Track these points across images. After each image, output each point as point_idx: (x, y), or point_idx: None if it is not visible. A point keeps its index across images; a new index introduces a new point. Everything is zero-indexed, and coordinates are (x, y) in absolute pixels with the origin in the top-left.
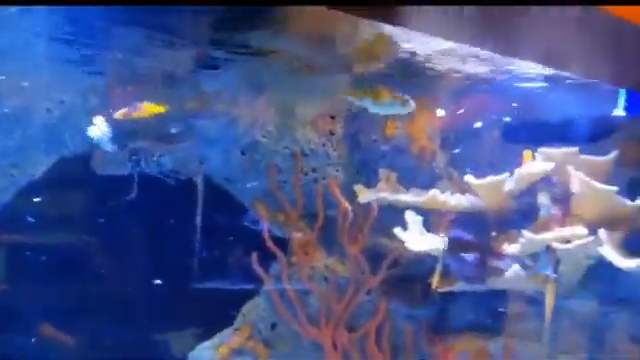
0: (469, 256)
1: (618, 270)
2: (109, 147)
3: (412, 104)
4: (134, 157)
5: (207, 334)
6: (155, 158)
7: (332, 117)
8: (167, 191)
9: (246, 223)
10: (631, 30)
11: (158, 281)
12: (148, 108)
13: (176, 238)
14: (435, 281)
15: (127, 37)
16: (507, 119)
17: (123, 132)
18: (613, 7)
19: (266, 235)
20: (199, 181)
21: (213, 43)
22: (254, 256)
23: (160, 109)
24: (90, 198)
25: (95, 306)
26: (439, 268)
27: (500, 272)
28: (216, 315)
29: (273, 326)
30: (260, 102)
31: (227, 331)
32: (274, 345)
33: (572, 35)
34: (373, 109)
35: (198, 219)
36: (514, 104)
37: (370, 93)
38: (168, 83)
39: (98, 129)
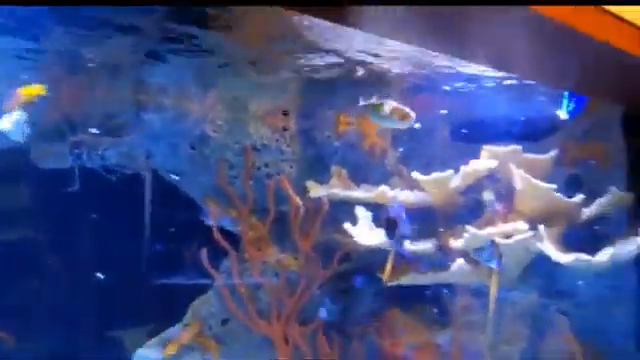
0: (418, 250)
1: (556, 264)
2: (20, 138)
3: (412, 118)
4: (76, 151)
5: (157, 330)
6: (99, 152)
7: (285, 113)
8: (113, 186)
9: (196, 218)
10: (570, 33)
11: (101, 276)
12: (23, 92)
13: (124, 234)
14: (386, 275)
15: (72, 29)
16: (455, 118)
17: (65, 125)
18: (545, 8)
19: (215, 230)
20: (147, 175)
21: (163, 36)
22: (203, 252)
23: (39, 90)
24: (32, 192)
25: (41, 303)
26: (390, 262)
27: (446, 266)
28: (167, 311)
29: (224, 321)
30: (211, 96)
31: (176, 327)
32: (225, 340)
33: (514, 38)
34: (375, 121)
35: (147, 214)
36: (462, 104)
37: (372, 105)
38: (115, 75)
39: (7, 121)
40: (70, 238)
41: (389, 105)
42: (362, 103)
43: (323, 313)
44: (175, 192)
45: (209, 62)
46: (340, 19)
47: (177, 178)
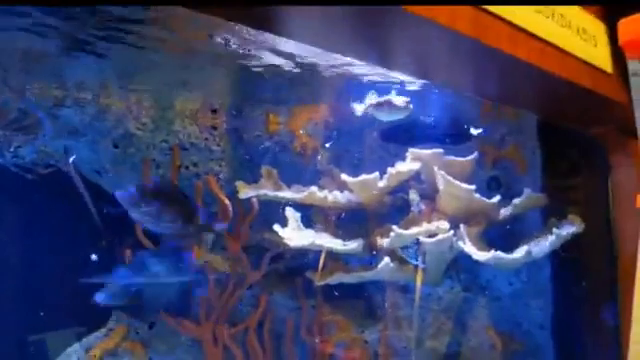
0: (347, 249)
1: (476, 261)
2: None
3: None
4: None
5: (80, 335)
6: (12, 149)
7: (214, 111)
8: (28, 184)
9: (121, 218)
10: (484, 47)
11: None
12: None
13: (43, 234)
14: (318, 275)
15: None
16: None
17: None
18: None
19: (139, 231)
20: (72, 173)
21: (85, 27)
22: (127, 253)
23: None
24: None
25: None
26: (322, 262)
27: (373, 264)
28: (91, 314)
29: (151, 325)
30: (135, 93)
31: (101, 331)
32: (152, 344)
33: (437, 48)
34: (385, 117)
35: (68, 214)
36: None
37: (389, 101)
38: (29, 68)
39: None
40: None
41: (401, 99)
42: (379, 99)
43: (100, 297)
44: (98, 191)
45: (134, 57)
46: (263, 25)
47: (124, 180)
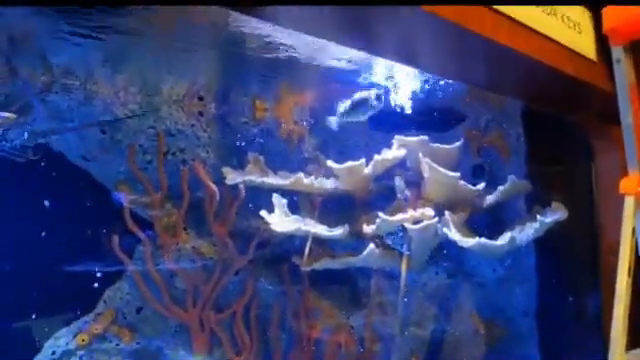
0: (333, 235)
1: (461, 248)
2: None
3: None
4: None
5: (68, 320)
6: (0, 132)
7: (200, 98)
8: (15, 169)
9: (108, 204)
10: (473, 35)
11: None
12: None
13: (31, 220)
14: (304, 260)
15: None
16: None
17: None
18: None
19: (127, 217)
20: (56, 159)
21: (74, 15)
22: (115, 239)
23: None
24: None
25: None
26: (308, 248)
27: (359, 250)
28: (79, 300)
29: (138, 310)
30: (123, 79)
31: (89, 316)
32: (140, 328)
33: (423, 36)
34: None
35: (55, 200)
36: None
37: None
38: (18, 54)
39: None
40: None
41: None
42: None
43: None
44: (86, 177)
45: (125, 42)
46: (257, 14)
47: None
